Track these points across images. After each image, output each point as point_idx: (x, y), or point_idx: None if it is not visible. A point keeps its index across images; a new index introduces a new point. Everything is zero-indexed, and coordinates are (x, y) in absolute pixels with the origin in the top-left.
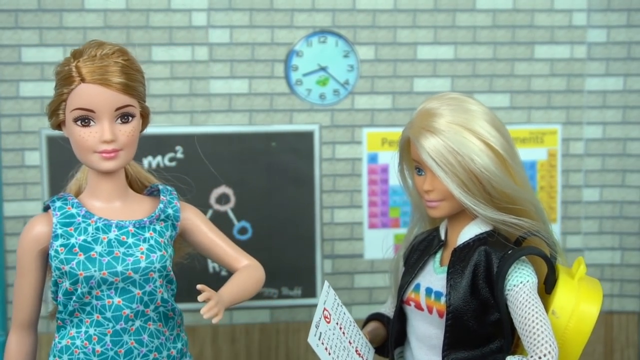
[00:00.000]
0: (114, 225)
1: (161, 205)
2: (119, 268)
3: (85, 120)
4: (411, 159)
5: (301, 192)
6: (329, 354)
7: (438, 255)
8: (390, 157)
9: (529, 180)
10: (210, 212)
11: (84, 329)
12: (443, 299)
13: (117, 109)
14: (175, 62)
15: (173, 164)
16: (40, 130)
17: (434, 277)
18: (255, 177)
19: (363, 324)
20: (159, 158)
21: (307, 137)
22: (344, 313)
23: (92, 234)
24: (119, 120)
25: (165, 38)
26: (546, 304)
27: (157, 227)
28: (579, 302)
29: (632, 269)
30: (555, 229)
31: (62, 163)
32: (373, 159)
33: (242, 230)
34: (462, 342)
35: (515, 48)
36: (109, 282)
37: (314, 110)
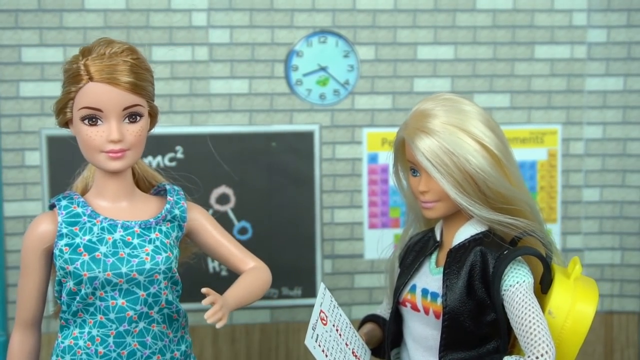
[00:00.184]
0: (119, 225)
1: (168, 206)
2: (124, 269)
3: (92, 119)
4: (406, 160)
5: (301, 192)
6: (326, 355)
7: (434, 256)
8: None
9: (524, 180)
10: (210, 212)
11: (87, 329)
12: (439, 300)
13: (125, 108)
14: (175, 62)
15: (173, 164)
16: (40, 130)
17: (429, 278)
18: (255, 177)
19: (359, 326)
20: (159, 158)
21: (307, 137)
22: (340, 315)
23: (98, 234)
24: (126, 120)
25: (165, 38)
26: (542, 304)
27: (163, 228)
28: (575, 302)
29: (632, 269)
30: (556, 229)
31: (62, 163)
32: (373, 159)
33: (242, 230)
34: (459, 343)
35: (516, 48)
36: (113, 283)
37: (314, 111)
